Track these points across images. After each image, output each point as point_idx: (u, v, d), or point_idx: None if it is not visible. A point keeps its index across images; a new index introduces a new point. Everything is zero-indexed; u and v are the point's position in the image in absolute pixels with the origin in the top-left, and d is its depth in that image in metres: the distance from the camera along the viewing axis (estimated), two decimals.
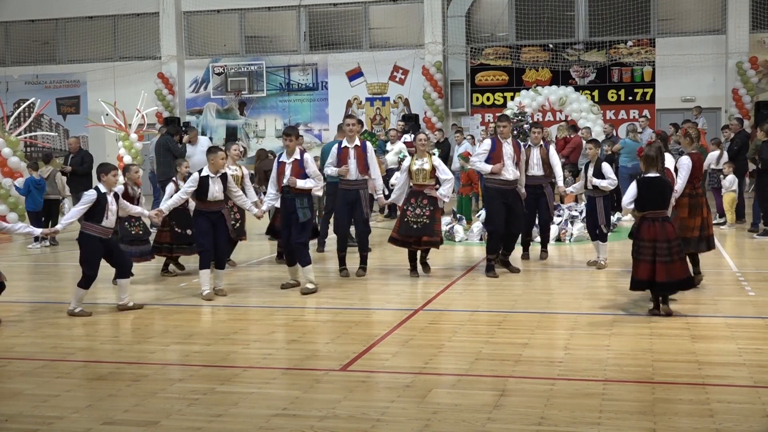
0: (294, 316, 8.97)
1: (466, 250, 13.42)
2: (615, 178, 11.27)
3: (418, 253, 11.34)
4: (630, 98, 26.07)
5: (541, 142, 12.12)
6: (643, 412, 5.44)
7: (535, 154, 12.04)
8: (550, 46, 26.38)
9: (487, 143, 11.08)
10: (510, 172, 10.89)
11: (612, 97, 26.13)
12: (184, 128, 25.95)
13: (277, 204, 10.63)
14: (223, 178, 10.14)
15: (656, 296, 8.44)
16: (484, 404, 5.69)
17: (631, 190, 8.42)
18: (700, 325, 8.08)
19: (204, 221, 10.05)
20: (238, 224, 11.85)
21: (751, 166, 16.41)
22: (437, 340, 7.67)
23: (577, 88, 23.57)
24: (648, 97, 25.93)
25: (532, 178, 11.85)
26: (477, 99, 27.05)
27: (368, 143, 11.32)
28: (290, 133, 10.27)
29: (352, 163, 11.04)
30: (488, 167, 10.90)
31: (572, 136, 18.86)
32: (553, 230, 13.65)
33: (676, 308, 8.74)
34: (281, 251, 12.12)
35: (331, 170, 11.16)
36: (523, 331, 7.98)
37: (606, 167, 11.27)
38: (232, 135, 28.49)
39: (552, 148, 12.16)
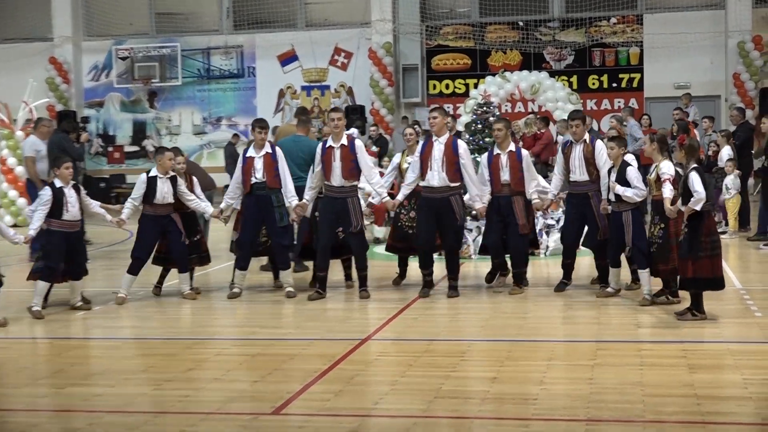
0: (216, 350, 8.90)
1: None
2: (643, 186, 10.32)
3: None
4: (614, 85, 26.35)
5: (586, 137, 11.05)
6: None
7: (577, 153, 11.05)
8: (520, 24, 26.58)
9: (419, 147, 11.17)
10: (436, 178, 10.88)
11: (593, 83, 26.41)
12: (82, 125, 25.75)
13: (237, 205, 11.55)
14: (173, 180, 11.31)
15: (698, 295, 9.35)
16: None
17: (700, 182, 9.12)
18: (698, 352, 8.17)
19: (151, 225, 11.32)
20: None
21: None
22: (389, 376, 7.66)
23: (552, 74, 23.65)
24: (635, 84, 26.23)
25: (574, 185, 11.13)
26: (434, 87, 27.16)
27: (357, 141, 11.36)
28: (263, 125, 11.42)
29: (337, 166, 11.08)
30: (403, 191, 11.26)
31: (543, 131, 18.97)
32: None
33: (670, 333, 8.86)
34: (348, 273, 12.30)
35: (307, 197, 11.44)
36: (490, 362, 8.00)
37: (632, 172, 10.39)
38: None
39: (599, 144, 11.12)
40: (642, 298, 10.29)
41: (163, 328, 10.22)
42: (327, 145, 11.22)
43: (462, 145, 11.10)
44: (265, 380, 7.63)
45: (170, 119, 28.83)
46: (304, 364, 8.18)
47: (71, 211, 10.65)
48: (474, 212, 11.52)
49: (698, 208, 9.11)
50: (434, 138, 11.03)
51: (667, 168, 10.00)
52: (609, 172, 10.65)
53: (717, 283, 9.34)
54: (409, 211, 11.64)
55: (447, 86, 27.13)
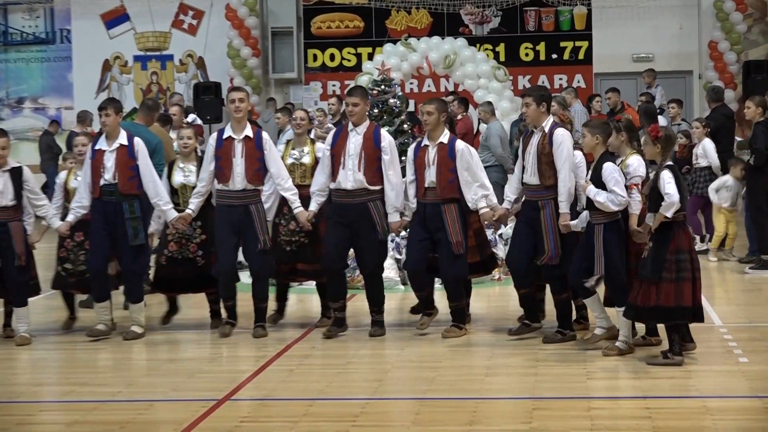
0: (18, 417, 8.78)
1: (299, 301, 13.44)
2: (623, 192, 9.86)
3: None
4: (554, 56, 26.69)
5: (546, 124, 10.66)
6: None
7: (532, 146, 10.76)
8: None
9: (329, 139, 11.38)
10: (350, 179, 11.02)
11: (526, 54, 26.71)
12: None
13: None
14: (15, 174, 11.30)
15: (674, 331, 9.51)
16: None
17: (673, 184, 9.37)
18: (665, 410, 8.28)
19: None
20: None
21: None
22: None
23: (473, 41, 23.97)
24: (581, 55, 26.60)
25: (526, 189, 10.91)
26: (314, 58, 27.22)
27: (264, 134, 11.43)
28: (103, 105, 11.40)
29: (239, 164, 11.10)
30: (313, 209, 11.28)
31: (461, 117, 19.12)
32: None
33: (630, 386, 8.99)
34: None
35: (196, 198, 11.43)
36: (394, 427, 8.07)
37: (609, 170, 9.96)
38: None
39: (560, 134, 10.60)
40: (609, 344, 10.09)
41: None
42: (225, 136, 11.24)
43: (386, 137, 11.20)
44: None
45: None
46: None
47: None
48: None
49: (669, 214, 9.26)
50: (350, 127, 11.13)
51: (636, 166, 9.95)
52: (587, 169, 10.37)
53: (680, 313, 9.45)
54: (288, 222, 11.61)
55: (332, 57, 27.20)
